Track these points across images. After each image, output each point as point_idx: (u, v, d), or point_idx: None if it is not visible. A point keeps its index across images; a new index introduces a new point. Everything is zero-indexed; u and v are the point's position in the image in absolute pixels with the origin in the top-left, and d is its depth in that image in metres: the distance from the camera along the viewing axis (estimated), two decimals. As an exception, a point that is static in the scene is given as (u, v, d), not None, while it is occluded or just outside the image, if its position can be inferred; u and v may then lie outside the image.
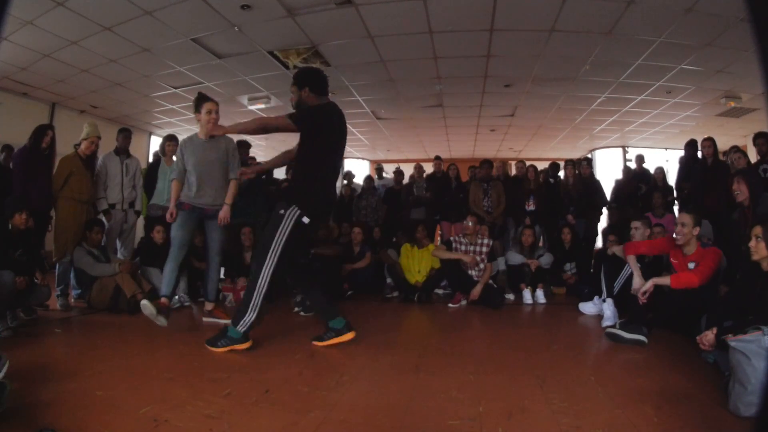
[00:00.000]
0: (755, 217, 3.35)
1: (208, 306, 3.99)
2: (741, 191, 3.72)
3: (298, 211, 2.97)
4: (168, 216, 3.66)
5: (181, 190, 3.74)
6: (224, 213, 3.74)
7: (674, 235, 3.61)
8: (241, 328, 2.97)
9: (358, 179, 9.35)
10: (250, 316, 2.97)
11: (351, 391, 2.30)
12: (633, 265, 3.71)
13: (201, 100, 3.68)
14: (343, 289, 5.26)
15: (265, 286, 2.98)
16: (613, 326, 3.45)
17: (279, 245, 2.96)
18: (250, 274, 3.14)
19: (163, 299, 3.52)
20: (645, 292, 3.36)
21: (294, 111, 3.18)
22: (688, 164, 6.34)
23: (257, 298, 2.97)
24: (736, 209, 4.11)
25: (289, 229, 2.96)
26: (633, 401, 2.14)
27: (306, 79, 3.35)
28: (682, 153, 6.58)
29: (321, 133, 3.09)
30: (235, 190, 3.88)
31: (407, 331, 4.14)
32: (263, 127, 3.21)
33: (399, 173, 7.90)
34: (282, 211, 2.98)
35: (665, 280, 3.36)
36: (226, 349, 2.96)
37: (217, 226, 3.80)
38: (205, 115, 3.62)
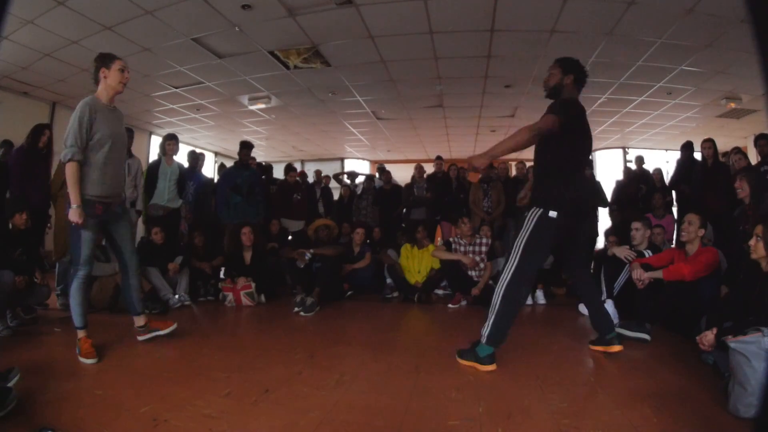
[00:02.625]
0: (757, 217, 3.37)
1: (139, 321, 3.25)
2: (743, 189, 3.74)
3: (541, 210, 2.71)
4: (77, 216, 2.75)
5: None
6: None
7: (681, 233, 3.69)
8: (484, 339, 2.73)
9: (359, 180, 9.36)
10: (489, 324, 2.74)
11: (350, 391, 2.30)
12: (636, 265, 3.76)
13: (109, 55, 3.02)
14: (343, 289, 5.27)
15: (502, 298, 2.71)
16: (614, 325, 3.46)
17: (520, 246, 2.71)
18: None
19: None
20: (641, 280, 3.55)
21: (553, 103, 2.83)
22: (684, 165, 6.34)
23: (495, 307, 2.73)
24: (737, 207, 4.13)
25: (531, 227, 2.70)
26: (632, 402, 2.14)
27: (574, 67, 2.98)
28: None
29: (575, 130, 2.80)
30: None
31: (407, 331, 4.14)
32: (532, 137, 2.68)
33: (385, 173, 7.89)
34: (527, 213, 2.78)
35: (657, 274, 3.54)
36: (468, 363, 2.74)
37: (128, 223, 3.22)
38: (118, 73, 2.97)
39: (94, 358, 2.75)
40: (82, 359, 2.76)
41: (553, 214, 2.67)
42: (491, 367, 2.65)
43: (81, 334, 2.89)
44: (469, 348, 2.79)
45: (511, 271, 2.70)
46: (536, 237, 2.69)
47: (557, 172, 2.77)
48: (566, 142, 2.74)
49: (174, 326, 3.25)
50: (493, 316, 2.71)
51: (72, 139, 2.77)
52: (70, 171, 2.77)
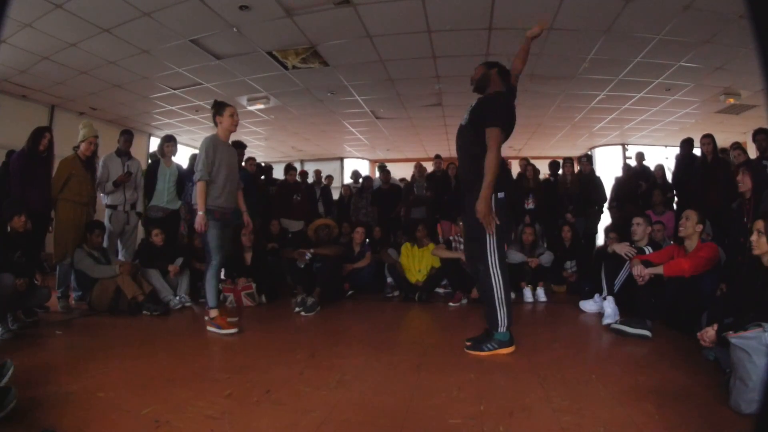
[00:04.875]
0: (757, 212, 3.36)
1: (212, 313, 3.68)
2: (744, 182, 3.72)
3: (496, 195, 2.88)
4: (200, 226, 3.57)
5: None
6: (247, 218, 4.12)
7: (679, 228, 3.67)
8: (503, 327, 2.91)
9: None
10: (501, 312, 2.91)
11: (352, 391, 2.30)
12: (636, 261, 3.76)
13: (222, 104, 3.86)
14: (343, 288, 5.28)
15: (501, 279, 2.91)
16: (615, 323, 3.47)
17: (493, 235, 2.89)
18: (479, 277, 3.06)
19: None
20: (641, 276, 3.54)
21: (486, 116, 2.96)
22: (684, 162, 6.34)
23: (499, 293, 2.91)
24: (736, 200, 4.12)
25: (496, 217, 2.87)
26: (634, 399, 2.14)
27: (496, 64, 3.24)
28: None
29: (510, 114, 3.06)
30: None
31: (408, 330, 4.14)
32: (498, 158, 2.88)
33: (385, 172, 7.88)
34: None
35: (658, 269, 3.53)
36: (491, 353, 2.89)
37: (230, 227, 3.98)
38: (229, 118, 3.80)
39: (234, 328, 3.52)
40: (224, 331, 3.47)
41: (501, 195, 2.91)
42: (513, 348, 2.93)
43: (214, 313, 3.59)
44: (483, 339, 2.98)
45: (495, 256, 2.91)
46: (499, 218, 2.89)
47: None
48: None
49: (234, 330, 3.54)
50: (504, 307, 2.91)
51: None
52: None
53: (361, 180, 8.62)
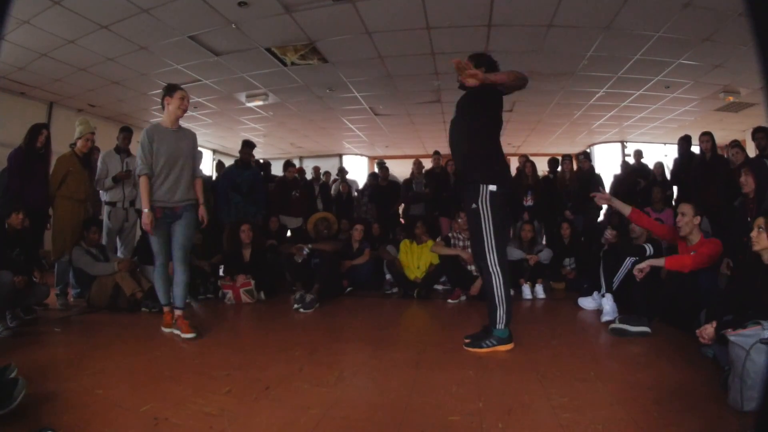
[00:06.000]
0: (759, 210, 3.36)
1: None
2: (747, 183, 3.71)
3: (487, 188, 2.90)
4: (146, 224, 3.30)
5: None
6: (202, 212, 3.60)
7: (677, 227, 3.61)
8: (501, 324, 2.92)
9: (356, 176, 9.36)
10: (501, 310, 2.92)
11: (351, 388, 2.31)
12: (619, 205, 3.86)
13: (174, 86, 3.51)
14: (342, 285, 5.28)
15: (501, 277, 2.91)
16: (613, 321, 3.46)
17: (490, 231, 2.91)
18: (481, 273, 3.06)
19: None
20: (641, 270, 3.49)
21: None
22: (683, 159, 6.34)
23: (499, 290, 2.92)
24: (738, 197, 4.10)
25: (489, 211, 2.90)
26: (632, 396, 2.15)
27: (484, 59, 3.18)
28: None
29: (497, 107, 3.07)
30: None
31: (407, 327, 4.14)
32: (517, 79, 2.92)
33: (384, 169, 7.88)
34: (474, 206, 2.93)
35: (660, 262, 3.52)
36: (489, 350, 2.90)
37: (186, 222, 3.52)
38: (177, 101, 3.43)
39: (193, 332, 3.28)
40: (184, 335, 3.27)
41: (493, 187, 2.91)
42: (512, 345, 2.93)
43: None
44: (482, 336, 2.98)
45: (494, 253, 2.91)
46: (493, 213, 2.92)
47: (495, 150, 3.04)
48: (491, 124, 3.05)
49: (194, 335, 3.31)
50: (504, 305, 2.92)
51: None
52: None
53: (347, 176, 8.65)
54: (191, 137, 3.61)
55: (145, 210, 3.27)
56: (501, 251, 2.95)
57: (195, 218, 3.57)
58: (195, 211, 3.56)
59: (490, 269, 2.92)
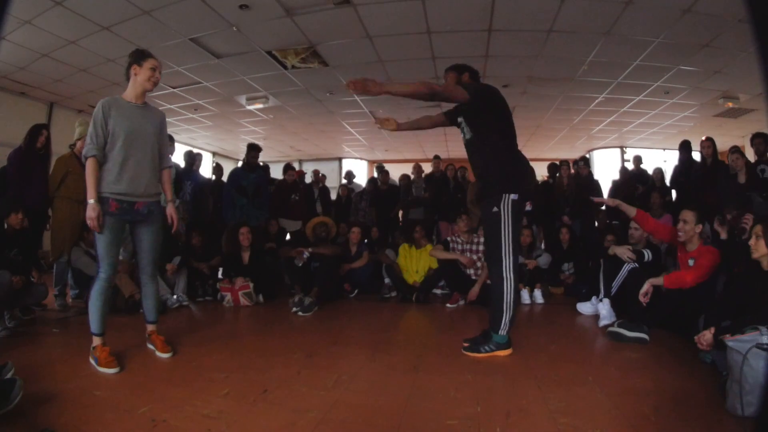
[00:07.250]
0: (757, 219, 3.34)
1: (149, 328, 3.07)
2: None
3: (509, 196, 2.90)
4: (91, 218, 2.60)
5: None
6: (171, 210, 3.03)
7: (678, 234, 3.58)
8: (503, 330, 2.93)
9: (359, 179, 9.37)
10: (507, 317, 2.93)
11: (349, 391, 2.30)
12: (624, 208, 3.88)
13: (143, 53, 2.82)
14: (343, 289, 5.28)
15: (513, 284, 2.93)
16: (611, 325, 3.46)
17: (508, 237, 2.91)
18: (492, 277, 3.05)
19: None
20: (646, 293, 3.43)
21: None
22: (683, 165, 6.35)
23: (509, 296, 2.93)
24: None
25: (510, 217, 2.90)
26: (631, 401, 2.15)
27: (466, 68, 3.22)
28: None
29: (500, 109, 3.03)
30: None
31: (405, 331, 4.13)
32: (432, 94, 2.68)
33: (384, 173, 7.88)
34: (495, 209, 2.92)
35: (659, 281, 3.47)
36: (488, 355, 2.91)
37: (153, 227, 2.94)
38: (148, 71, 2.77)
39: (115, 367, 2.56)
40: (101, 369, 2.55)
41: (514, 196, 2.91)
42: (510, 350, 2.94)
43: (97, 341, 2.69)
44: (481, 340, 3.00)
45: (509, 260, 2.92)
46: (516, 220, 2.93)
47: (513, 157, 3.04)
48: (501, 126, 3.02)
49: (115, 370, 2.58)
50: (510, 312, 2.94)
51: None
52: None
53: (354, 180, 8.65)
54: (159, 116, 2.96)
55: (91, 201, 2.59)
56: (515, 258, 2.96)
57: (163, 221, 3.00)
58: (162, 211, 2.98)
59: (504, 274, 2.92)
